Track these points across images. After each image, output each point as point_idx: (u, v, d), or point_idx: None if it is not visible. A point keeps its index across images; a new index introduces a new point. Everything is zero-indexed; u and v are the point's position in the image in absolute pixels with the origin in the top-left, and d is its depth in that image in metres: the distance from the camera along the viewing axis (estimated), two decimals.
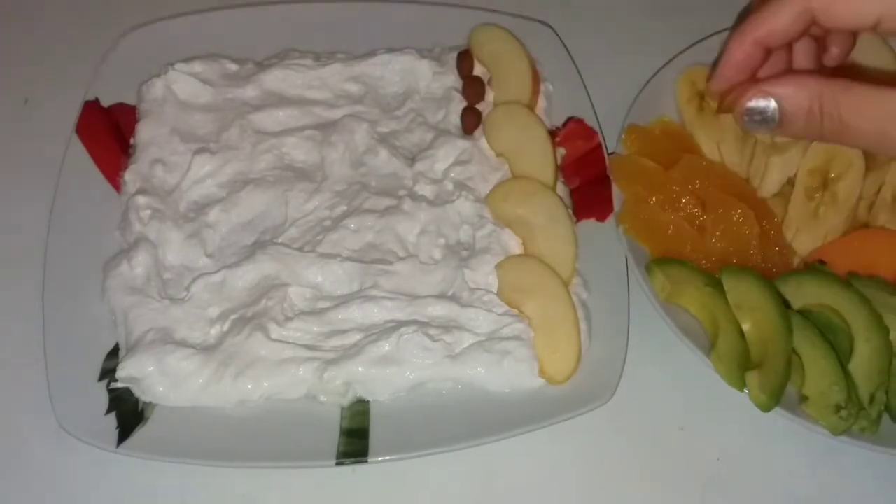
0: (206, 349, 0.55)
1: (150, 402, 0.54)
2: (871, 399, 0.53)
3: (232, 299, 0.57)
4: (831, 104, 0.37)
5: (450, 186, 0.62)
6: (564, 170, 0.64)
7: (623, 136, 0.63)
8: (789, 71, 0.44)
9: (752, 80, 0.41)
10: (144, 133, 0.64)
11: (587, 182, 0.63)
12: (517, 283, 0.58)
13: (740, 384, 0.53)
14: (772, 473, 0.55)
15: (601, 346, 0.56)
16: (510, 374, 0.55)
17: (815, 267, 0.58)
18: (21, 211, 0.63)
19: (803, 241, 0.60)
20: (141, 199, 0.60)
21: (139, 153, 0.63)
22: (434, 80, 0.67)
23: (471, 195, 0.61)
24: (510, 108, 0.64)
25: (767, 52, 0.42)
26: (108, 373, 0.55)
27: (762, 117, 0.39)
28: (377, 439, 0.53)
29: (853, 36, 0.44)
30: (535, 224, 0.60)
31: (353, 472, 0.54)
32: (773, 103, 0.39)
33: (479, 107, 0.66)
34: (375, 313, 0.56)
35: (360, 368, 0.54)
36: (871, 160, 0.61)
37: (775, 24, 0.40)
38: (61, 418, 0.52)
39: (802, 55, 0.44)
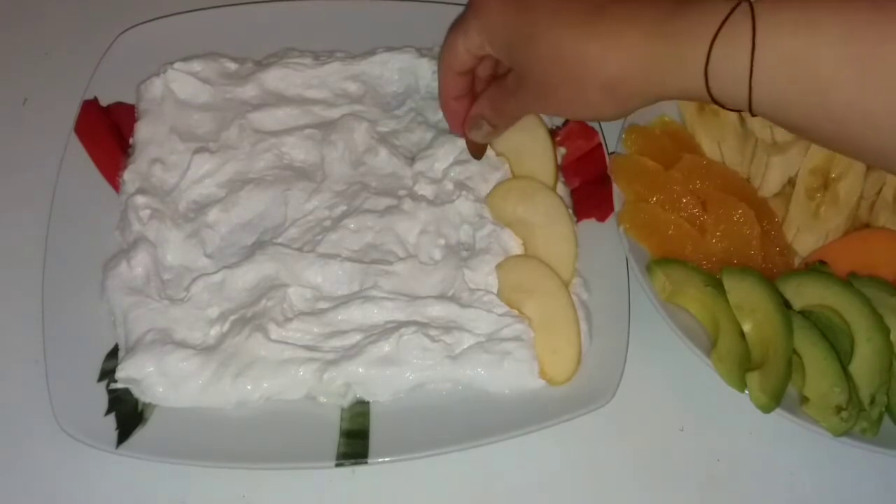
0: (206, 350, 0.55)
1: (150, 403, 0.54)
2: (872, 400, 0.53)
3: (231, 300, 0.57)
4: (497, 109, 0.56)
5: (450, 186, 0.62)
6: (565, 169, 0.64)
7: (623, 136, 0.63)
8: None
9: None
10: (143, 132, 0.64)
11: (587, 182, 0.63)
12: (517, 284, 0.58)
13: (741, 385, 0.53)
14: (772, 474, 0.55)
15: (601, 347, 0.56)
16: (510, 374, 0.54)
17: (816, 267, 0.58)
18: (20, 211, 0.63)
19: (804, 241, 0.60)
20: (140, 199, 0.60)
21: (138, 153, 0.63)
22: (434, 79, 0.67)
23: (471, 195, 0.61)
24: None
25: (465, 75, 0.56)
26: (107, 373, 0.55)
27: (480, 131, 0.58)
28: (377, 440, 0.53)
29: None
30: (535, 224, 0.60)
31: (352, 474, 0.54)
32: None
33: None
34: (375, 314, 0.56)
35: (360, 369, 0.54)
36: None
37: (456, 61, 0.55)
38: (60, 419, 0.52)
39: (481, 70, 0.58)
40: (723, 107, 0.45)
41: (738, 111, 0.44)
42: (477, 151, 0.61)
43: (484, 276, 0.58)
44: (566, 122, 0.65)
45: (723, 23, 0.42)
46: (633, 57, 0.46)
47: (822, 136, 0.43)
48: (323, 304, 0.57)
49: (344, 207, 0.61)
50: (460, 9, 0.70)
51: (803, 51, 0.40)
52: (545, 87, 0.50)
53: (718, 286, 0.56)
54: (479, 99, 0.57)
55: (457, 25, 0.54)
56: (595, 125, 0.64)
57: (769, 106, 0.43)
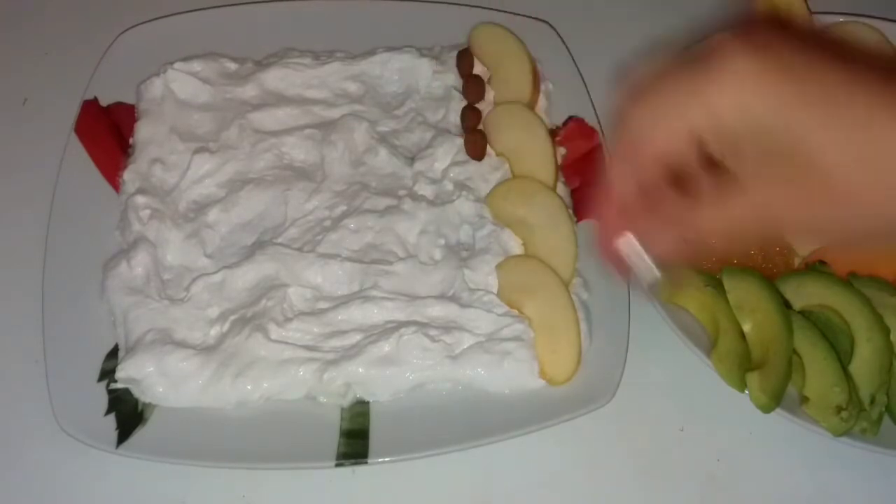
0: (206, 350, 0.55)
1: (150, 403, 0.54)
2: (872, 400, 0.53)
3: (231, 300, 0.57)
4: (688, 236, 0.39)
5: (449, 186, 0.62)
6: (565, 169, 0.64)
7: None
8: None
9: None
10: (143, 132, 0.64)
11: (587, 182, 0.63)
12: (517, 284, 0.58)
13: (741, 385, 0.53)
14: (772, 474, 0.55)
15: (601, 347, 0.56)
16: (510, 374, 0.54)
17: (816, 267, 0.58)
18: (20, 211, 0.63)
19: (804, 241, 0.60)
20: (140, 199, 0.60)
21: (138, 153, 0.63)
22: (434, 79, 0.67)
23: (471, 195, 0.61)
24: (510, 107, 0.64)
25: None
26: (107, 373, 0.55)
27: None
28: (377, 440, 0.53)
29: None
30: (535, 224, 0.60)
31: (352, 474, 0.54)
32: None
33: (479, 106, 0.66)
34: (375, 314, 0.56)
35: (360, 369, 0.54)
36: None
37: (671, 139, 0.37)
38: (61, 419, 0.52)
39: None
40: None
41: None
42: (478, 152, 0.57)
43: (484, 276, 0.58)
44: (566, 121, 0.65)
45: None
46: None
47: None
48: (323, 304, 0.57)
49: (344, 207, 0.61)
50: (461, 8, 0.70)
51: None
52: (839, 187, 0.34)
53: (718, 286, 0.56)
54: (660, 217, 0.39)
55: (681, 80, 0.36)
56: (595, 124, 0.64)
57: None
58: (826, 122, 0.34)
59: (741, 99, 0.35)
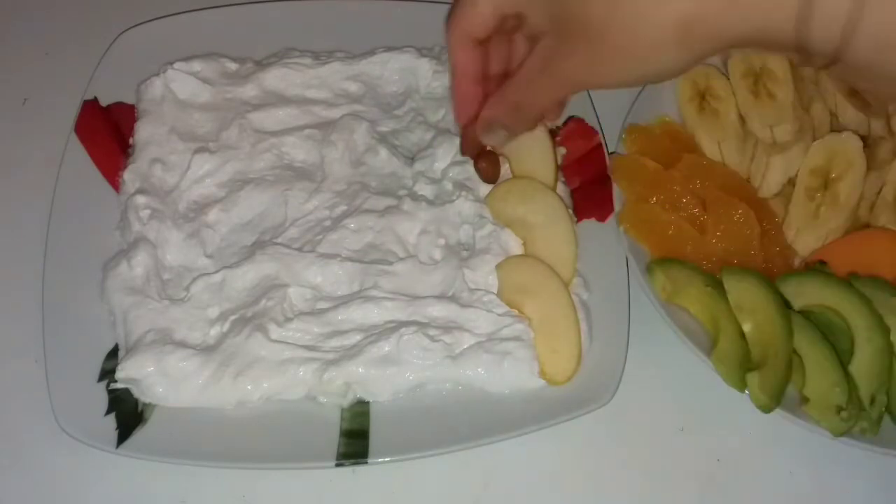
0: (206, 350, 0.55)
1: (150, 403, 0.54)
2: (872, 400, 0.53)
3: (232, 299, 0.57)
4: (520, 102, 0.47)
5: (449, 186, 0.62)
6: (565, 169, 0.64)
7: (623, 136, 0.63)
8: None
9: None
10: (143, 132, 0.64)
11: (587, 182, 0.63)
12: (517, 284, 0.58)
13: (741, 385, 0.53)
14: (772, 474, 0.55)
15: (601, 347, 0.56)
16: (510, 374, 0.54)
17: (816, 267, 0.58)
18: (20, 211, 0.63)
19: (804, 241, 0.60)
20: (140, 199, 0.60)
21: (138, 152, 0.63)
22: (434, 79, 0.67)
23: (471, 195, 0.61)
24: None
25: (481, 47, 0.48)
26: (107, 373, 0.55)
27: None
28: (377, 440, 0.53)
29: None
30: (535, 224, 0.60)
31: (352, 474, 0.54)
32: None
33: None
34: (375, 314, 0.56)
35: (360, 369, 0.54)
36: (872, 160, 0.61)
37: (475, 21, 0.46)
38: (61, 419, 0.52)
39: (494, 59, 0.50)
40: (804, 54, 0.38)
41: (816, 65, 0.38)
42: (470, 149, 0.56)
43: (484, 276, 0.58)
44: (566, 121, 0.65)
45: None
46: None
47: None
48: (323, 304, 0.57)
49: (344, 207, 0.61)
50: None
51: None
52: (599, 39, 0.40)
53: (718, 286, 0.56)
54: (494, 98, 0.48)
55: None
56: (595, 124, 0.64)
57: (873, 46, 0.36)
58: None
59: None
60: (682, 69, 0.41)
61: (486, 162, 0.61)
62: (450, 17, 0.47)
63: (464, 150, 0.56)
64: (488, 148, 0.58)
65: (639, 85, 0.56)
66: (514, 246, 0.60)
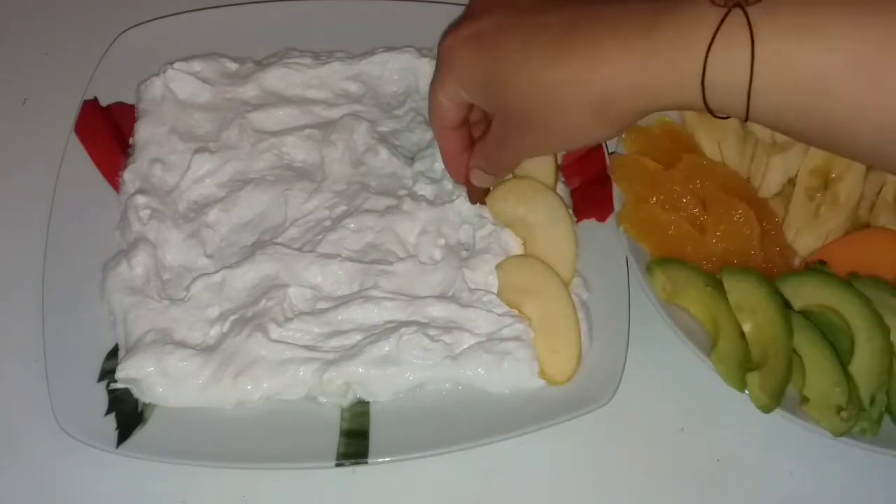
0: (206, 350, 0.55)
1: (150, 403, 0.54)
2: (872, 400, 0.53)
3: (232, 299, 0.57)
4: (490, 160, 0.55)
5: (449, 186, 0.62)
6: (565, 169, 0.64)
7: (623, 136, 0.63)
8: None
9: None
10: (143, 132, 0.63)
11: (587, 182, 0.63)
12: (517, 284, 0.58)
13: (741, 385, 0.53)
14: (772, 474, 0.55)
15: (601, 347, 0.56)
16: (510, 374, 0.54)
17: (816, 267, 0.58)
18: (20, 211, 0.63)
19: (804, 241, 0.60)
20: (140, 199, 0.60)
21: (138, 152, 0.63)
22: None
23: None
24: None
25: (459, 129, 0.56)
26: (107, 373, 0.55)
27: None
28: (377, 440, 0.53)
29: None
30: (535, 224, 0.60)
31: (352, 474, 0.54)
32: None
33: None
34: (375, 314, 0.56)
35: (360, 369, 0.54)
36: None
37: (445, 117, 0.54)
38: (61, 419, 0.52)
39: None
40: (715, 116, 0.44)
41: (732, 117, 0.43)
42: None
43: (484, 276, 0.58)
44: None
45: (716, 31, 0.40)
46: (620, 73, 0.43)
47: (825, 140, 0.42)
48: (323, 304, 0.57)
49: (344, 207, 0.61)
50: (460, 9, 0.70)
51: (806, 57, 0.39)
52: (531, 125, 0.48)
53: (718, 286, 0.56)
54: (474, 151, 0.55)
55: (433, 81, 0.53)
56: None
57: (769, 113, 0.42)
58: (508, 78, 0.47)
59: (457, 69, 0.50)
60: (615, 134, 0.48)
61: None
62: (428, 112, 0.56)
63: (472, 200, 0.60)
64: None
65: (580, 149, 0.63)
66: (514, 246, 0.60)
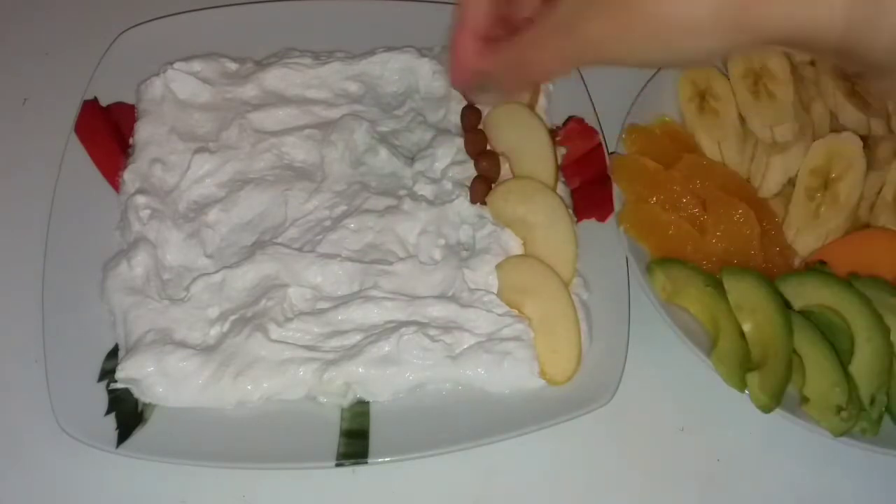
0: (206, 350, 0.55)
1: (150, 403, 0.54)
2: (872, 400, 0.53)
3: (232, 299, 0.57)
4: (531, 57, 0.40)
5: (449, 186, 0.62)
6: (565, 169, 0.64)
7: (623, 136, 0.63)
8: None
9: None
10: (143, 132, 0.64)
11: (587, 182, 0.63)
12: (517, 284, 0.58)
13: (741, 385, 0.53)
14: (772, 474, 0.55)
15: (601, 347, 0.56)
16: (510, 374, 0.54)
17: (816, 267, 0.58)
18: (20, 211, 0.63)
19: (804, 241, 0.60)
20: (140, 199, 0.60)
21: (138, 152, 0.63)
22: (434, 79, 0.67)
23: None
24: (510, 107, 0.64)
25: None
26: (107, 373, 0.55)
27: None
28: (377, 440, 0.53)
29: None
30: (535, 224, 0.60)
31: (352, 474, 0.54)
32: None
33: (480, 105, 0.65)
34: (375, 314, 0.56)
35: (360, 369, 0.54)
36: (872, 160, 0.61)
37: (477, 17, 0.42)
38: (61, 419, 0.52)
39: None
40: (846, 59, 0.34)
41: (846, 72, 0.37)
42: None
43: (484, 276, 0.58)
44: (566, 121, 0.65)
45: None
46: None
47: None
48: (323, 304, 0.57)
49: (344, 207, 0.61)
50: None
51: None
52: (632, 7, 0.35)
53: (718, 286, 0.56)
54: (496, 51, 0.42)
55: None
56: (595, 124, 0.64)
57: None
58: None
59: None
60: (709, 57, 0.37)
61: (487, 161, 0.61)
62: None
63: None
64: (488, 147, 0.58)
65: (656, 67, 0.55)
66: (514, 246, 0.60)
